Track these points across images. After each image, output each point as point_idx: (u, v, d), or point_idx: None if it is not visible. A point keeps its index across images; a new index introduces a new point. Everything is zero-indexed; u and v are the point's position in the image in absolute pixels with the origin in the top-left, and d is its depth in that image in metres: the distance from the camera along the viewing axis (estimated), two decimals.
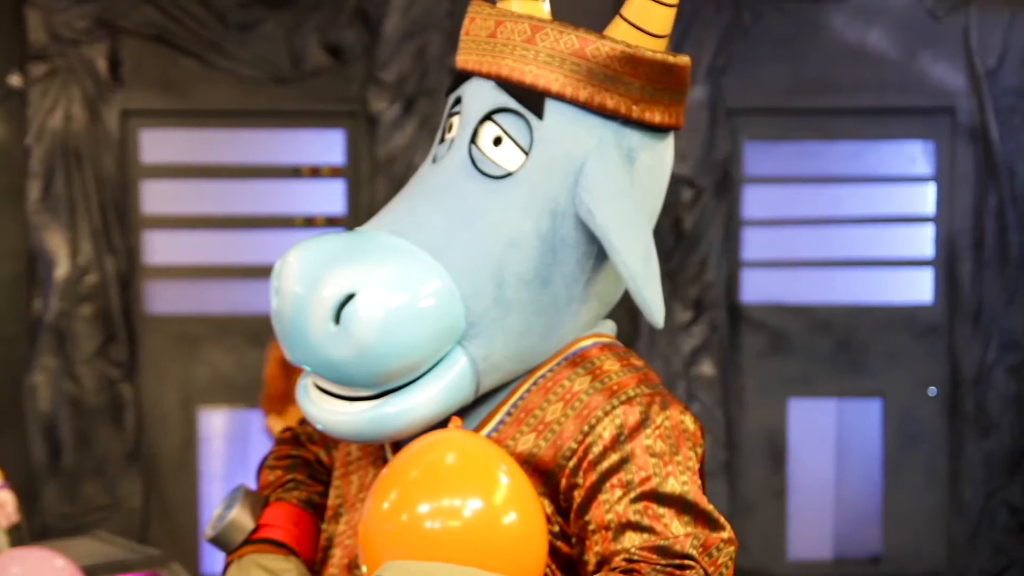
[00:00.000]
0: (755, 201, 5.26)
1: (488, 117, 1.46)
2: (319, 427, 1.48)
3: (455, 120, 1.49)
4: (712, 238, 5.13)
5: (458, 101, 1.50)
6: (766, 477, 5.25)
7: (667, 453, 1.40)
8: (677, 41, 5.07)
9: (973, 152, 5.18)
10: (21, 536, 3.43)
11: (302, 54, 5.05)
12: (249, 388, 5.05)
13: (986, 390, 5.21)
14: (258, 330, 5.11)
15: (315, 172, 5.19)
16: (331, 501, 1.60)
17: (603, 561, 1.36)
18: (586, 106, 1.44)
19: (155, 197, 5.17)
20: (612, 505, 1.37)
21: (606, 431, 1.40)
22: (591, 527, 1.38)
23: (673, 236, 5.07)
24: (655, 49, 1.44)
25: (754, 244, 5.27)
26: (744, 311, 5.26)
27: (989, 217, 5.18)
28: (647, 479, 1.37)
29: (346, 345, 1.37)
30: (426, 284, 1.39)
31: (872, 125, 5.27)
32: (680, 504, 1.37)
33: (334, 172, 5.17)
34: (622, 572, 1.31)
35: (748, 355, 5.26)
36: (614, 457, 1.39)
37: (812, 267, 5.31)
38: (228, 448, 5.24)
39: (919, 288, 5.31)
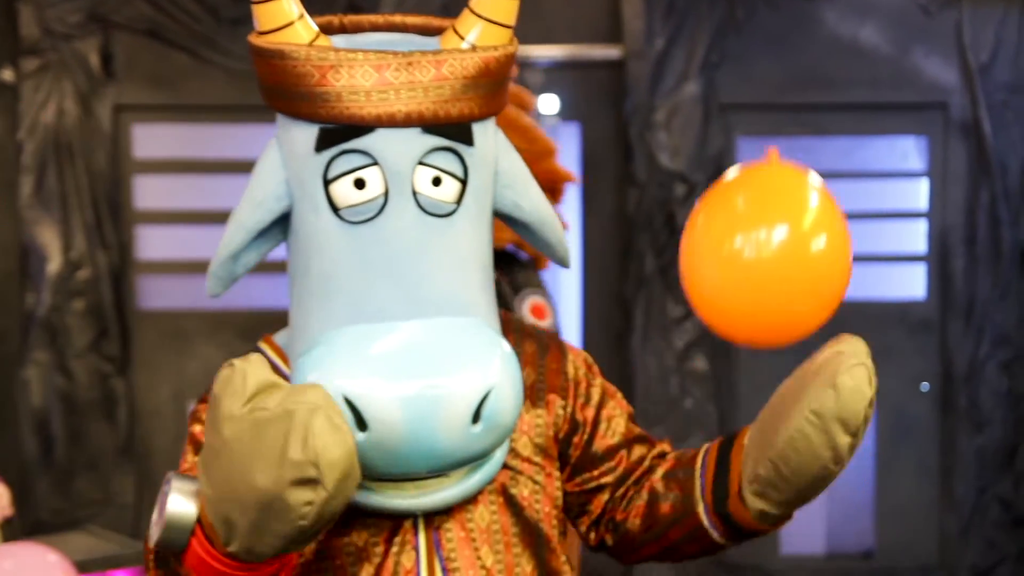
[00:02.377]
0: None
1: (419, 162, 1.40)
2: (394, 513, 1.44)
3: (366, 175, 1.40)
4: None
5: (347, 153, 1.40)
6: None
7: (609, 384, 1.69)
8: (670, 37, 5.08)
9: (966, 147, 5.19)
10: (14, 531, 3.43)
11: None
12: None
13: (978, 386, 5.22)
14: (250, 325, 5.11)
15: None
16: (309, 555, 1.51)
17: (624, 476, 1.63)
18: (494, 114, 1.47)
19: (148, 192, 5.17)
20: (614, 429, 1.64)
21: (579, 373, 1.64)
22: (599, 455, 1.62)
23: (666, 231, 5.07)
24: (514, 41, 1.46)
25: None
26: None
27: (981, 213, 5.19)
28: (621, 402, 1.67)
29: (487, 439, 1.37)
30: (508, 349, 1.40)
31: (865, 121, 5.27)
32: (633, 416, 1.70)
33: None
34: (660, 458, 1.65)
35: (741, 350, 5.26)
36: (595, 390, 1.64)
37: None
38: None
39: (911, 284, 5.32)
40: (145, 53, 5.03)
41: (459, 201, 1.43)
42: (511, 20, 1.44)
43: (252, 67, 1.46)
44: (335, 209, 1.41)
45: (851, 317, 5.31)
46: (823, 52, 5.16)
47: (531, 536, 1.56)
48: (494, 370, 1.35)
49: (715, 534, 1.56)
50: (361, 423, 1.31)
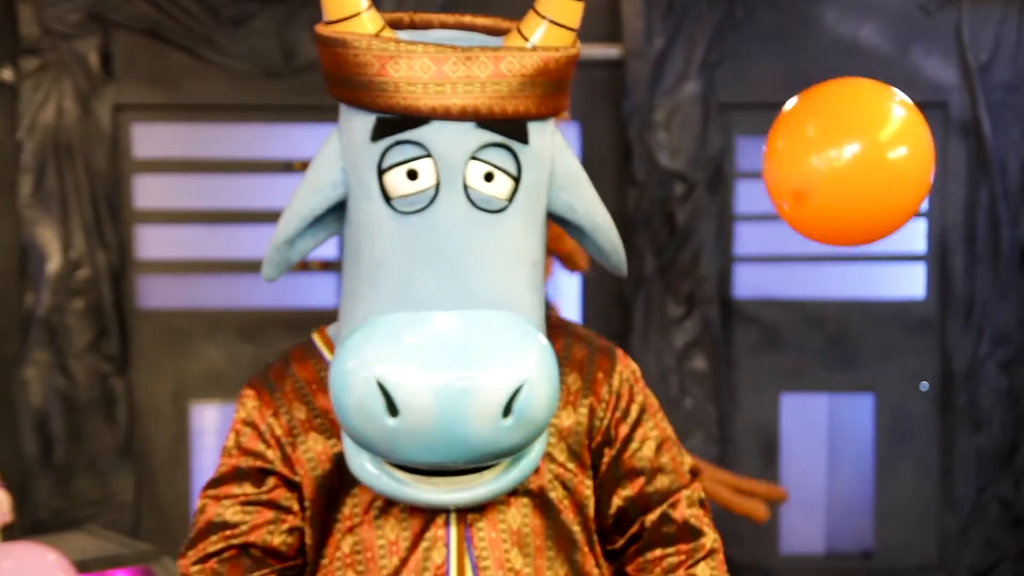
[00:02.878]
0: (748, 196, 5.27)
1: (472, 156, 1.42)
2: (430, 507, 1.45)
3: (419, 166, 1.42)
4: (704, 233, 5.13)
5: (402, 144, 1.43)
6: (758, 472, 5.25)
7: (652, 396, 1.67)
8: (670, 36, 5.08)
9: (965, 147, 5.19)
10: (13, 531, 3.42)
11: (294, 48, 5.04)
12: (241, 383, 5.03)
13: (978, 385, 5.22)
14: (250, 325, 5.11)
15: (307, 167, 5.18)
16: (345, 549, 1.54)
17: (633, 503, 1.60)
18: (553, 115, 1.49)
19: (147, 191, 5.17)
20: (641, 452, 1.61)
21: (623, 387, 1.62)
22: (620, 473, 1.60)
23: (666, 231, 5.07)
24: (576, 44, 1.48)
25: (746, 239, 5.27)
26: (736, 306, 5.26)
27: (981, 212, 5.19)
28: (660, 424, 1.64)
29: (518, 433, 1.37)
30: (545, 343, 1.40)
31: None
32: (675, 443, 1.66)
33: None
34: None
35: (740, 350, 5.26)
36: (635, 408, 1.62)
37: (804, 262, 5.31)
38: (220, 443, 5.24)
39: (911, 283, 5.32)
40: (145, 53, 5.03)
41: (511, 198, 1.44)
42: (575, 23, 1.46)
43: (317, 56, 1.49)
44: (387, 198, 1.43)
45: (851, 317, 5.31)
46: (823, 51, 5.15)
47: (565, 540, 1.57)
48: (528, 364, 1.35)
49: None
50: (393, 409, 1.33)
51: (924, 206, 5.27)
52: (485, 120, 1.41)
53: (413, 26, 1.53)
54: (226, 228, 5.18)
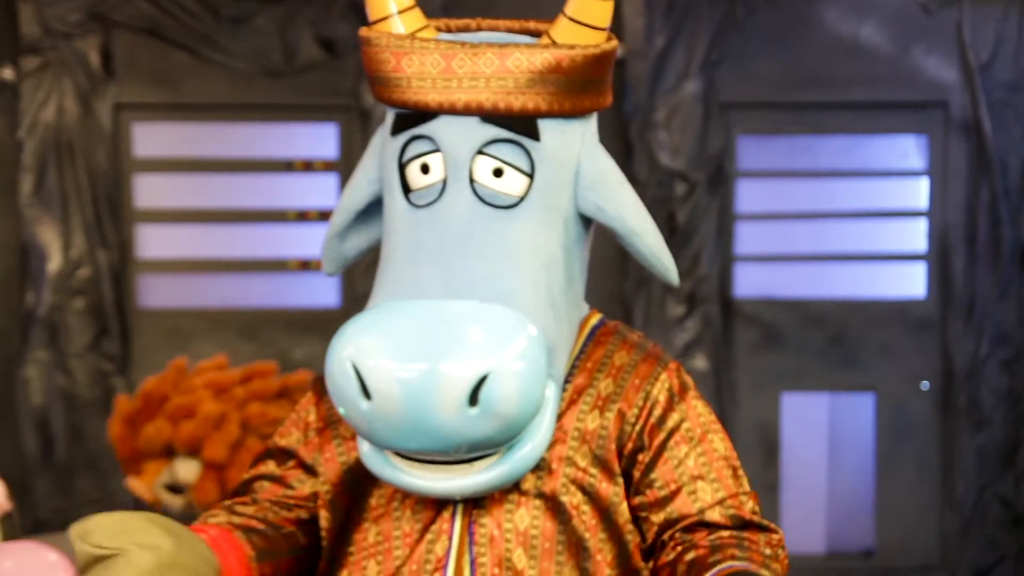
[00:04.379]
0: (748, 195, 5.27)
1: (479, 151, 1.44)
2: (424, 494, 1.46)
3: (431, 160, 1.46)
4: (705, 232, 5.13)
5: (418, 139, 1.46)
6: (759, 471, 5.25)
7: (710, 415, 1.61)
8: (671, 36, 5.08)
9: (966, 146, 5.19)
10: (14, 530, 3.42)
11: (295, 47, 5.04)
12: None
13: (978, 384, 5.22)
14: (250, 324, 5.11)
15: (308, 166, 5.18)
16: (371, 539, 1.56)
17: (667, 519, 1.51)
18: (571, 114, 1.48)
19: (148, 191, 5.17)
20: (681, 460, 1.54)
21: (661, 395, 1.55)
22: (658, 484, 1.52)
23: (666, 230, 5.07)
24: (606, 42, 1.47)
25: (747, 238, 5.27)
26: (737, 305, 5.26)
27: (982, 211, 5.19)
28: (704, 435, 1.57)
29: (487, 424, 1.37)
30: (529, 337, 1.40)
31: (865, 119, 5.27)
32: (729, 463, 1.59)
33: (327, 166, 5.17)
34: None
35: (741, 349, 5.26)
36: (675, 416, 1.55)
37: (805, 261, 5.31)
38: None
39: (912, 282, 5.32)
40: (145, 52, 5.03)
41: (525, 195, 1.46)
42: (601, 21, 1.45)
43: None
44: (407, 192, 1.47)
45: (851, 316, 5.31)
46: (823, 51, 5.15)
47: (576, 547, 1.53)
48: (495, 355, 1.35)
49: None
50: (367, 392, 1.36)
51: (925, 205, 5.27)
52: (490, 115, 1.43)
53: (448, 30, 1.56)
54: (226, 227, 5.18)
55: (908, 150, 5.31)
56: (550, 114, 1.45)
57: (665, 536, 1.53)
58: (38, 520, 4.91)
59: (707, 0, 5.10)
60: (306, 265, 5.05)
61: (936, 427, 5.29)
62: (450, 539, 1.51)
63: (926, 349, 5.28)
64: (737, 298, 5.26)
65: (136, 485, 3.88)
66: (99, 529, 1.32)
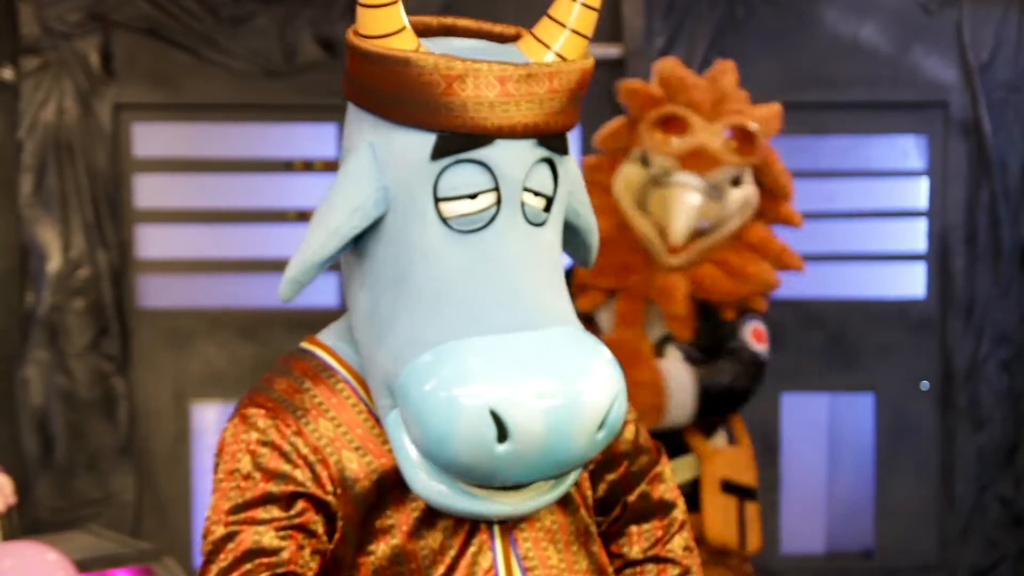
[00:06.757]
0: None
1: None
2: (504, 517, 1.47)
3: (482, 185, 1.42)
4: None
5: (462, 163, 1.41)
6: (758, 471, 5.25)
7: None
8: (671, 36, 5.08)
9: (966, 146, 5.19)
10: (14, 529, 3.43)
11: (295, 48, 5.05)
12: (242, 382, 5.04)
13: (978, 384, 5.22)
14: (250, 324, 5.11)
15: (308, 166, 5.19)
16: (383, 562, 1.51)
17: (617, 485, 1.66)
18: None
19: (148, 191, 5.17)
20: (623, 436, 1.67)
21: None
22: (607, 459, 1.65)
23: None
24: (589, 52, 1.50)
25: None
26: None
27: (981, 211, 5.19)
28: (629, 405, 1.60)
29: (604, 444, 1.43)
30: (610, 353, 1.44)
31: (865, 119, 5.27)
32: (637, 418, 1.74)
33: (327, 166, 5.17)
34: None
35: None
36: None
37: (805, 261, 5.31)
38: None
39: (912, 282, 5.32)
40: (145, 52, 5.03)
41: (548, 209, 1.47)
42: (591, 31, 1.47)
43: (350, 65, 1.46)
44: (443, 217, 1.42)
45: (851, 316, 5.31)
46: (823, 51, 5.15)
47: (584, 534, 1.61)
48: (616, 377, 1.40)
49: None
50: (502, 435, 1.33)
51: (925, 205, 5.28)
52: (544, 135, 1.43)
53: (439, 31, 1.53)
54: (226, 227, 5.18)
55: (908, 150, 5.31)
56: (573, 127, 1.48)
57: (614, 513, 1.67)
58: (38, 520, 4.91)
59: (707, 0, 5.10)
60: None
61: (936, 427, 5.29)
62: (492, 549, 1.52)
63: (926, 349, 5.28)
64: None
65: None
66: None
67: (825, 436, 5.41)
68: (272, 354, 4.76)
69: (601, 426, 1.38)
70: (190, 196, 5.18)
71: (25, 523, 4.64)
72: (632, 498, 1.67)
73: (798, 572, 5.31)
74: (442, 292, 1.41)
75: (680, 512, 1.70)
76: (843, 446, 5.41)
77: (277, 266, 5.13)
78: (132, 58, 5.03)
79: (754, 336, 3.67)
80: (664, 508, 1.69)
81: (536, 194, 1.45)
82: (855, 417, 5.37)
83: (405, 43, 1.40)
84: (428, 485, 1.42)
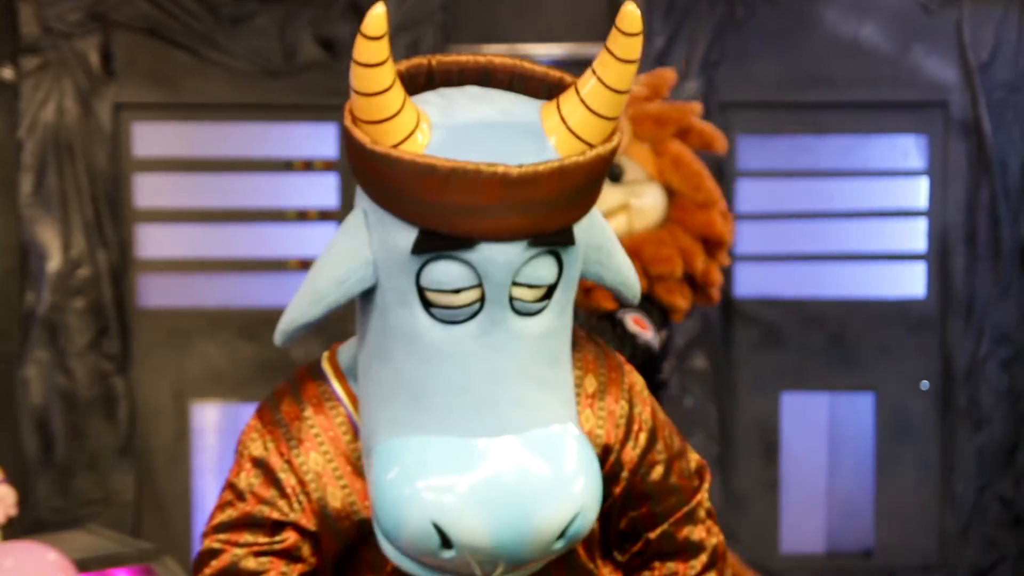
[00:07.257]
0: (748, 195, 5.27)
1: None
2: None
3: (464, 282, 1.34)
4: None
5: (446, 258, 1.34)
6: (758, 471, 5.26)
7: (656, 413, 1.65)
8: (671, 36, 5.08)
9: (966, 146, 5.19)
10: (14, 529, 3.42)
11: (295, 48, 5.04)
12: (242, 382, 5.05)
13: (978, 384, 5.22)
14: (250, 324, 5.10)
15: (308, 166, 5.18)
16: None
17: (640, 522, 1.61)
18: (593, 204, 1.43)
19: (148, 190, 5.17)
20: (650, 477, 1.60)
21: (630, 409, 1.57)
22: (630, 497, 1.59)
23: None
24: (617, 133, 1.38)
25: (747, 238, 5.27)
26: (737, 305, 5.26)
27: (981, 211, 5.19)
28: (664, 443, 1.62)
29: (564, 550, 1.38)
30: (592, 455, 1.39)
31: (865, 119, 5.27)
32: (681, 454, 1.67)
33: (327, 166, 5.17)
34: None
35: (740, 349, 5.26)
36: (643, 437, 1.59)
37: (805, 261, 5.31)
38: (221, 442, 5.24)
39: (911, 282, 5.32)
40: (145, 51, 5.03)
41: (549, 295, 1.38)
42: (618, 114, 1.35)
43: (346, 143, 1.38)
44: (426, 305, 1.35)
45: (851, 316, 5.31)
46: (823, 51, 5.15)
47: (580, 570, 1.60)
48: (582, 492, 1.34)
49: None
50: (447, 543, 1.31)
51: (925, 205, 5.27)
52: (539, 235, 1.33)
53: (435, 71, 1.42)
54: (226, 227, 5.18)
55: (908, 150, 5.31)
56: (585, 214, 1.39)
57: (635, 547, 1.64)
58: (38, 520, 4.91)
59: (707, 0, 5.10)
60: (306, 265, 5.04)
61: (936, 427, 5.29)
62: None
63: (926, 349, 5.28)
64: (737, 298, 5.26)
65: None
66: None
67: (825, 436, 5.41)
68: (272, 354, 4.77)
69: (560, 536, 1.33)
70: (190, 196, 5.18)
71: (25, 523, 4.64)
72: (654, 536, 1.62)
73: (798, 572, 5.31)
74: (422, 381, 1.35)
75: (708, 553, 1.63)
76: (843, 446, 5.41)
77: (277, 266, 5.13)
78: (132, 58, 5.03)
79: (636, 324, 3.53)
80: (689, 549, 1.63)
81: (531, 287, 1.35)
82: (855, 417, 5.36)
83: (401, 127, 1.31)
84: (393, 552, 1.40)
